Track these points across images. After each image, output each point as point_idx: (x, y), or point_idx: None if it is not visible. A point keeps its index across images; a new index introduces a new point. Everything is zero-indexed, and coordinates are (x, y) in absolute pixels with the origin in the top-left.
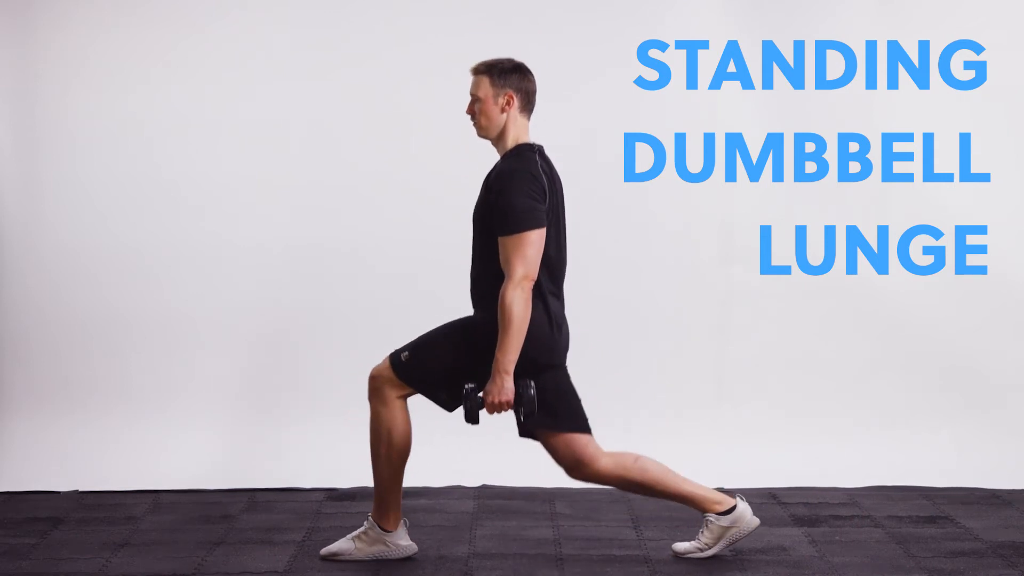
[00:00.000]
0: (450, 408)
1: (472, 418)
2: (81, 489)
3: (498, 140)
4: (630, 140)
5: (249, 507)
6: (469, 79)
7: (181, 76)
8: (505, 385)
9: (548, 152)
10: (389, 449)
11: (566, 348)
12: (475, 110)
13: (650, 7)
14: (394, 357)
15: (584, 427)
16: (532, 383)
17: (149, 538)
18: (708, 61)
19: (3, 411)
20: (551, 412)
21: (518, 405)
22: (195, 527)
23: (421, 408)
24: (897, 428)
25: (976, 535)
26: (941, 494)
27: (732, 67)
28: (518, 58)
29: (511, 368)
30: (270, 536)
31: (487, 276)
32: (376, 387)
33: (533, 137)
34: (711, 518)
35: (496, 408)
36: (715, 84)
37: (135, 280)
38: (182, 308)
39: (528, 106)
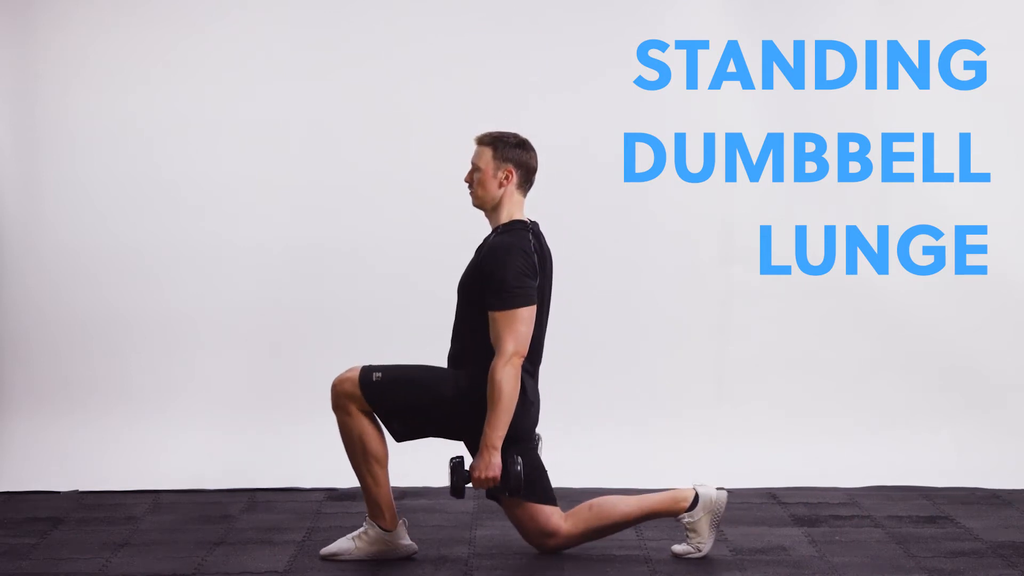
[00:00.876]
0: (399, 439)
1: (457, 492)
2: (81, 489)
3: (492, 212)
4: (630, 140)
5: (249, 507)
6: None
7: (181, 76)
8: (493, 461)
9: (550, 154)
10: (366, 456)
11: (534, 425)
12: (473, 179)
13: (650, 7)
14: (364, 375)
15: (551, 499)
16: (519, 459)
17: (149, 538)
18: (708, 61)
19: (3, 411)
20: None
21: (504, 481)
22: (195, 527)
23: None
24: (897, 428)
25: (976, 535)
26: (941, 494)
27: (732, 67)
28: (518, 60)
29: (499, 444)
30: (270, 536)
31: (472, 347)
32: (337, 398)
33: (537, 137)
34: (685, 519)
35: (483, 483)
36: (715, 84)
37: (135, 280)
38: (182, 308)
39: (527, 183)
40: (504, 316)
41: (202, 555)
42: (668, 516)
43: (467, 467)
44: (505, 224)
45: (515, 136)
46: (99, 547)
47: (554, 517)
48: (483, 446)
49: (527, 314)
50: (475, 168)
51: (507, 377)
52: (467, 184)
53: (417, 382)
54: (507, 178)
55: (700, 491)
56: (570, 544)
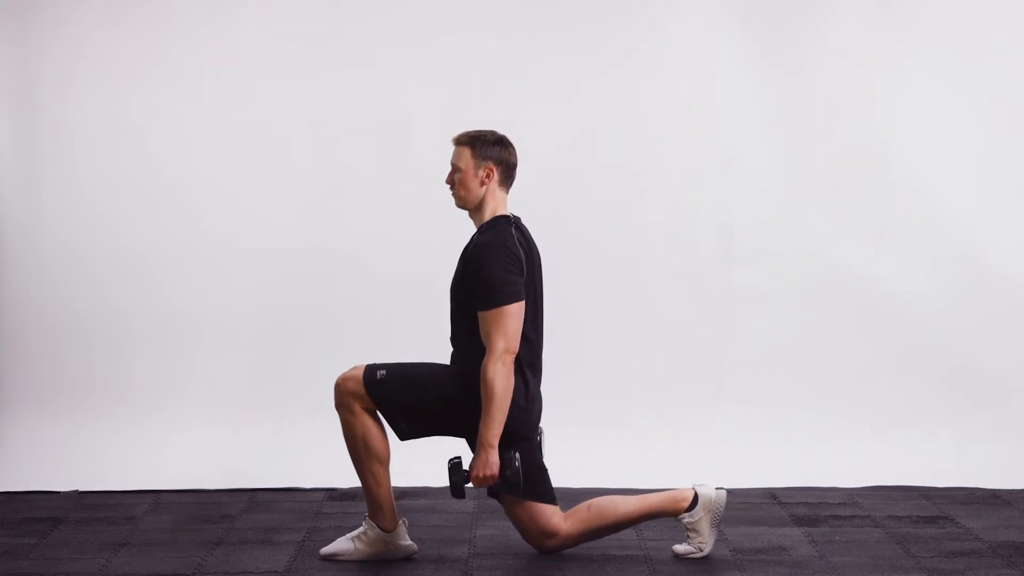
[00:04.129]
0: (403, 437)
1: (458, 492)
2: (81, 489)
3: (475, 212)
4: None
5: (249, 507)
6: (451, 149)
7: (181, 76)
8: (491, 459)
9: (550, 154)
10: (368, 455)
11: (537, 420)
12: (455, 180)
13: (651, 7)
14: (368, 373)
15: (551, 498)
16: (517, 455)
17: (149, 538)
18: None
19: (3, 411)
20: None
21: (503, 478)
22: (195, 527)
23: None
24: (897, 428)
25: (976, 535)
26: (941, 494)
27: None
28: (519, 59)
29: (495, 442)
30: (270, 536)
31: (469, 350)
32: (341, 397)
33: (536, 137)
34: (684, 519)
35: (482, 482)
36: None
37: (135, 280)
38: (182, 308)
39: (508, 180)
40: (492, 314)
41: (202, 555)
42: (668, 516)
43: (465, 467)
44: (488, 222)
45: (493, 133)
46: (99, 547)
47: (554, 517)
48: (480, 445)
49: (515, 310)
50: (455, 169)
51: (498, 375)
52: (448, 186)
53: (421, 380)
54: (488, 176)
55: (699, 491)
56: (569, 544)
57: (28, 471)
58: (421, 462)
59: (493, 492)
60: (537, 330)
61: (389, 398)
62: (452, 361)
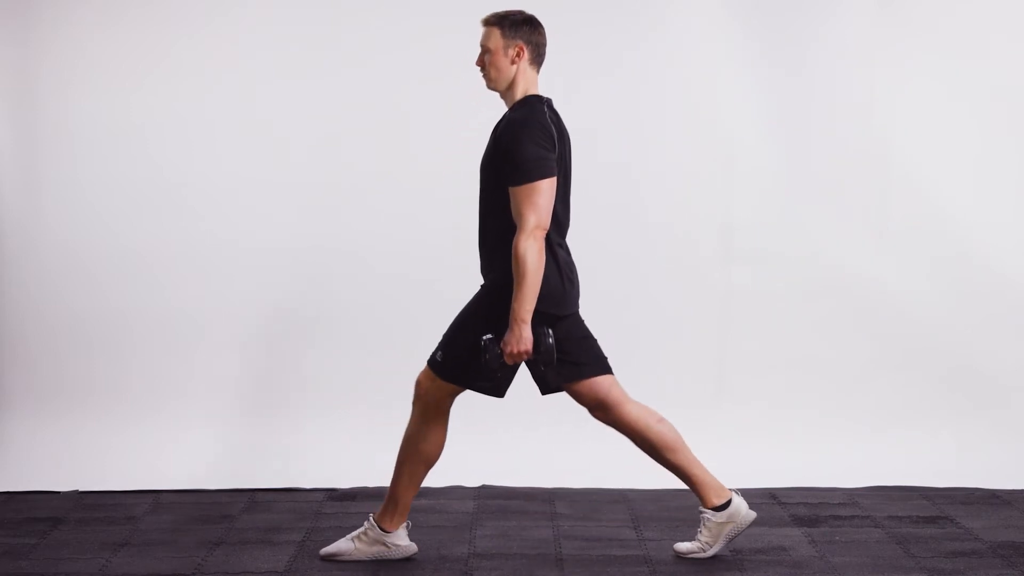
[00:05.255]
0: (497, 394)
1: (492, 368)
2: (81, 489)
3: (507, 92)
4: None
5: (249, 507)
6: (480, 30)
7: (181, 76)
8: (524, 334)
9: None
10: (418, 452)
11: (577, 296)
12: (485, 61)
13: (651, 7)
14: (431, 360)
15: (605, 369)
16: (550, 331)
17: (149, 538)
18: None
19: (3, 411)
20: (571, 361)
21: (536, 354)
22: (195, 527)
23: None
24: (897, 428)
25: (976, 535)
26: (941, 494)
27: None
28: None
29: (528, 317)
30: (270, 536)
31: (496, 230)
32: (419, 394)
33: None
34: (707, 515)
35: (515, 357)
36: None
37: (135, 280)
38: (182, 308)
39: (538, 59)
40: (523, 190)
41: (202, 555)
42: (696, 494)
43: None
44: (520, 100)
45: (521, 12)
46: (99, 547)
47: (614, 390)
48: (513, 320)
49: (547, 186)
50: (485, 50)
51: (530, 249)
52: (479, 68)
53: (467, 329)
54: (518, 55)
55: (735, 499)
56: (619, 426)
57: (28, 471)
58: None
59: (547, 388)
60: (566, 210)
61: (460, 371)
62: (481, 253)
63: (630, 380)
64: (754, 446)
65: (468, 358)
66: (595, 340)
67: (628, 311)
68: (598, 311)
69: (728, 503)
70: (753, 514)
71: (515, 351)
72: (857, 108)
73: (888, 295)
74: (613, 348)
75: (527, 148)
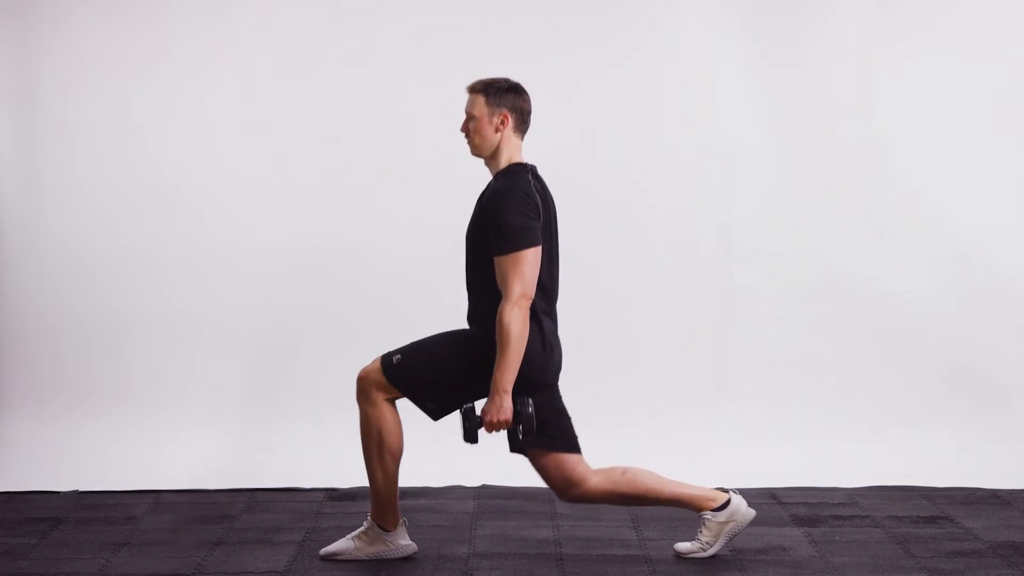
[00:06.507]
0: (435, 416)
1: (470, 437)
2: (81, 489)
3: (491, 159)
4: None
5: (249, 507)
6: (465, 96)
7: (181, 76)
8: (504, 404)
9: (550, 154)
10: (381, 450)
11: (558, 368)
12: (469, 128)
13: (650, 7)
14: (385, 359)
15: (575, 447)
16: (530, 401)
17: (149, 538)
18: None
19: (3, 411)
20: (544, 431)
21: (516, 424)
22: (195, 527)
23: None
24: (897, 428)
25: (976, 535)
26: (941, 494)
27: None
28: (519, 60)
29: (510, 387)
30: (270, 536)
31: (484, 297)
32: (363, 388)
33: (535, 136)
34: (707, 516)
35: (495, 427)
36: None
37: (135, 280)
38: (182, 308)
39: (523, 126)
40: (509, 259)
41: (202, 555)
42: (692, 509)
43: (478, 413)
44: (504, 169)
45: (506, 80)
46: (99, 547)
47: (580, 466)
48: (493, 390)
49: (532, 255)
50: (469, 117)
51: (515, 319)
52: (464, 134)
53: (438, 355)
54: (503, 123)
55: (734, 499)
56: (592, 499)
57: (28, 471)
58: (421, 462)
59: (515, 446)
60: (552, 279)
61: (409, 380)
62: (468, 314)
63: (630, 380)
64: (754, 446)
65: (424, 380)
66: (570, 419)
67: (628, 311)
68: (598, 311)
69: (727, 503)
70: (753, 512)
71: (495, 420)
72: (857, 108)
73: (888, 295)
74: (613, 348)
75: (512, 218)
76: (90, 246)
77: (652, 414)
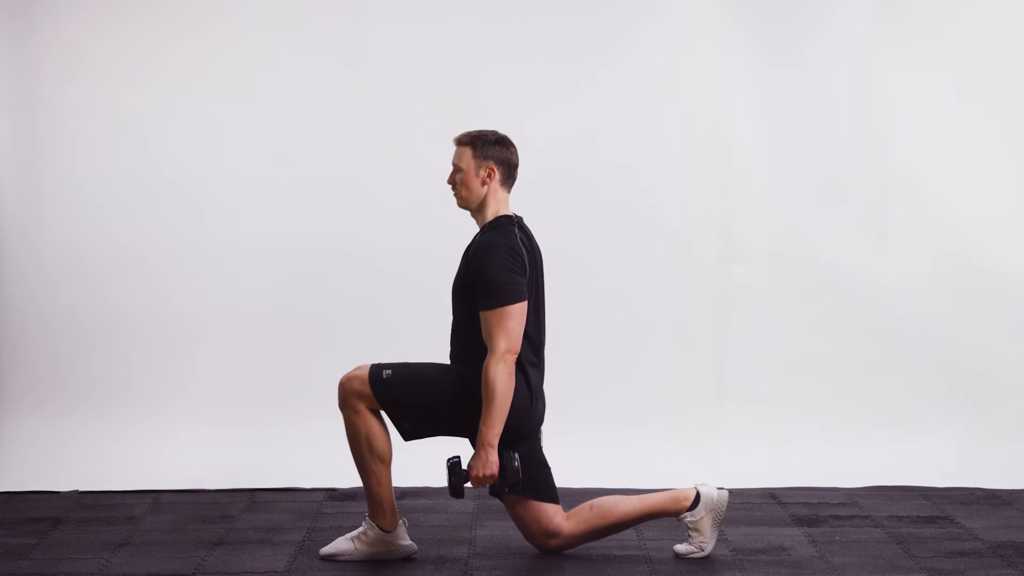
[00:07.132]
0: (407, 438)
1: (457, 493)
2: (81, 489)
3: (477, 212)
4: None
5: (249, 507)
6: (452, 149)
7: (181, 76)
8: (490, 458)
9: (549, 154)
10: (371, 454)
11: (541, 419)
12: (456, 180)
13: (650, 7)
14: (374, 371)
15: (554, 499)
16: (516, 455)
17: (149, 538)
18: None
19: (3, 411)
20: (525, 482)
21: (503, 477)
22: (195, 527)
23: None
24: (897, 428)
25: (976, 535)
26: (941, 494)
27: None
28: (518, 60)
29: (495, 442)
30: (270, 536)
31: (469, 350)
32: (344, 396)
33: (535, 136)
34: (687, 518)
35: (481, 481)
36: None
37: (135, 280)
38: (182, 308)
39: (509, 179)
40: (494, 314)
41: (202, 555)
42: (670, 516)
43: (464, 466)
44: (490, 222)
45: (494, 133)
46: (99, 547)
47: (556, 517)
48: (479, 444)
49: (518, 310)
50: (456, 169)
51: (500, 375)
52: (450, 186)
53: (427, 381)
54: (489, 176)
55: (701, 490)
56: (572, 544)
57: (28, 471)
58: (421, 462)
59: (495, 491)
60: (539, 330)
61: (394, 398)
62: (452, 360)
63: (631, 380)
64: (754, 446)
65: (407, 401)
66: (550, 469)
67: (628, 311)
68: (598, 312)
69: (697, 498)
70: (725, 492)
71: (481, 475)
72: (857, 108)
73: (888, 295)
74: (613, 348)
75: (498, 273)
76: (90, 246)
77: (652, 414)
